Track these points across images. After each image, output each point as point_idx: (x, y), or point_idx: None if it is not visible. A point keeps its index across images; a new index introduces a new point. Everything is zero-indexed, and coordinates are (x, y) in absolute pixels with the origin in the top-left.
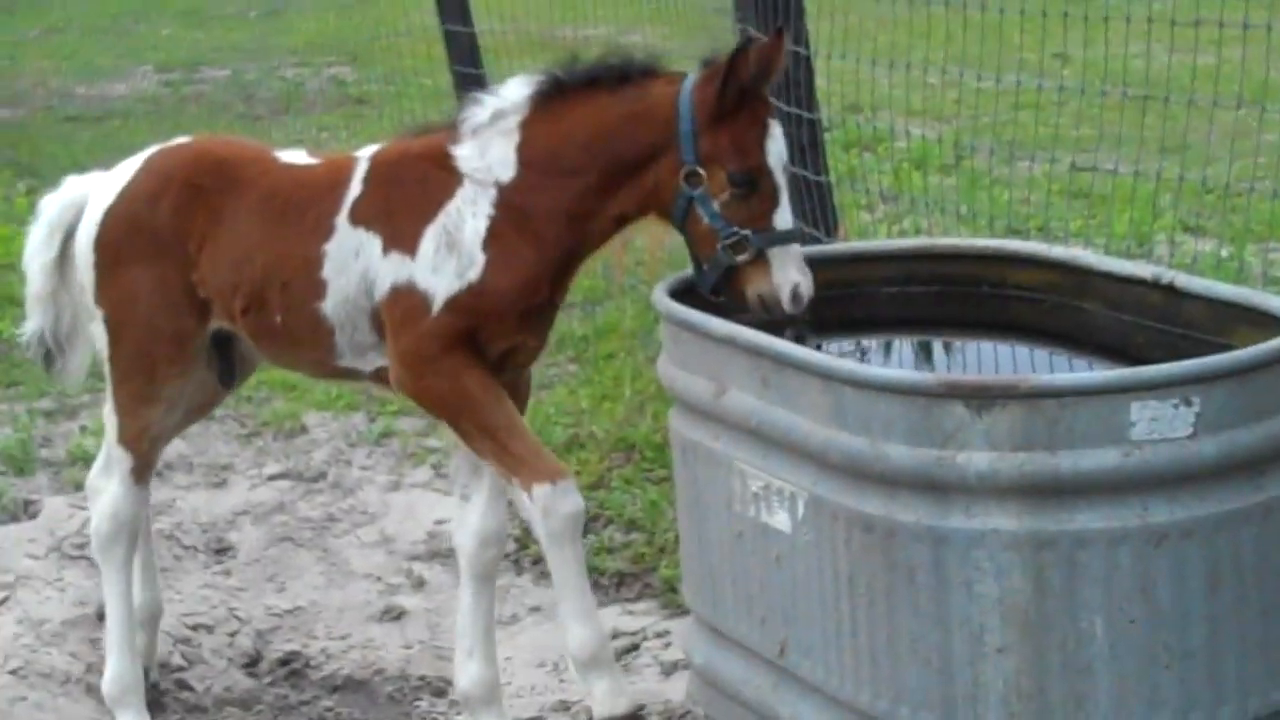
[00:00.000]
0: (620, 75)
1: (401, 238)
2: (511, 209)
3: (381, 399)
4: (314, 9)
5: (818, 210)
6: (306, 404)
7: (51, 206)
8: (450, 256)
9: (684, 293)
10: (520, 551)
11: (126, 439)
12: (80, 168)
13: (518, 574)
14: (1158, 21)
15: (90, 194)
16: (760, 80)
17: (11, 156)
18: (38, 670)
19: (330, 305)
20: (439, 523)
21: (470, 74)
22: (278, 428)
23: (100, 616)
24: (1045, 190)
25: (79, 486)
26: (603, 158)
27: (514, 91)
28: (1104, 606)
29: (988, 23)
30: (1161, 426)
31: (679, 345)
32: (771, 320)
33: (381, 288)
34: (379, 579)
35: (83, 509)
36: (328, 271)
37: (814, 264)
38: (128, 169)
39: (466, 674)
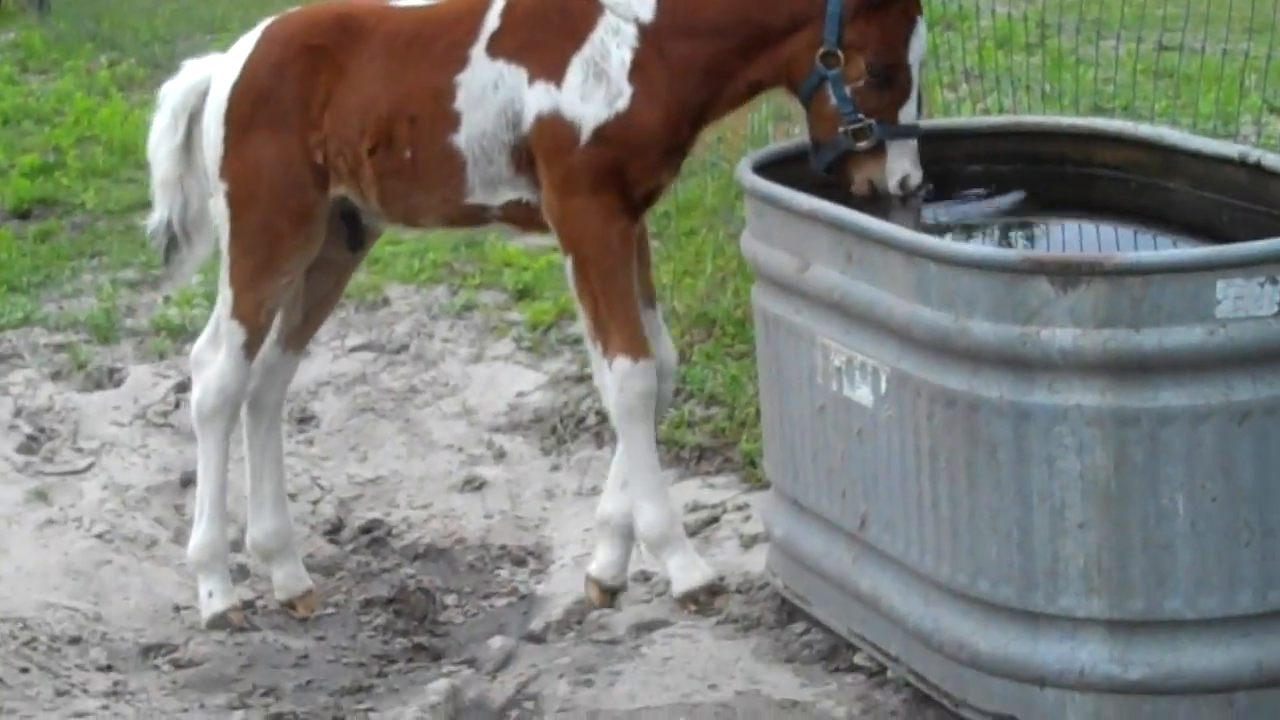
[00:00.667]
0: None
1: (548, 67)
2: (652, 47)
3: (463, 273)
4: None
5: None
6: (389, 277)
7: (174, 92)
8: (598, 86)
9: (767, 167)
10: (601, 424)
11: (241, 312)
12: (161, 41)
13: (598, 446)
14: None
15: (213, 74)
16: None
17: (94, 30)
18: (123, 535)
19: (464, 138)
20: (520, 395)
21: None
22: (360, 300)
23: (185, 483)
24: (1130, 70)
25: (163, 355)
26: (746, 23)
27: None
28: (1186, 483)
29: None
30: (1247, 304)
31: (762, 220)
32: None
33: (528, 118)
34: (460, 449)
35: (166, 378)
36: (461, 103)
37: None
38: (247, 43)
39: (614, 501)
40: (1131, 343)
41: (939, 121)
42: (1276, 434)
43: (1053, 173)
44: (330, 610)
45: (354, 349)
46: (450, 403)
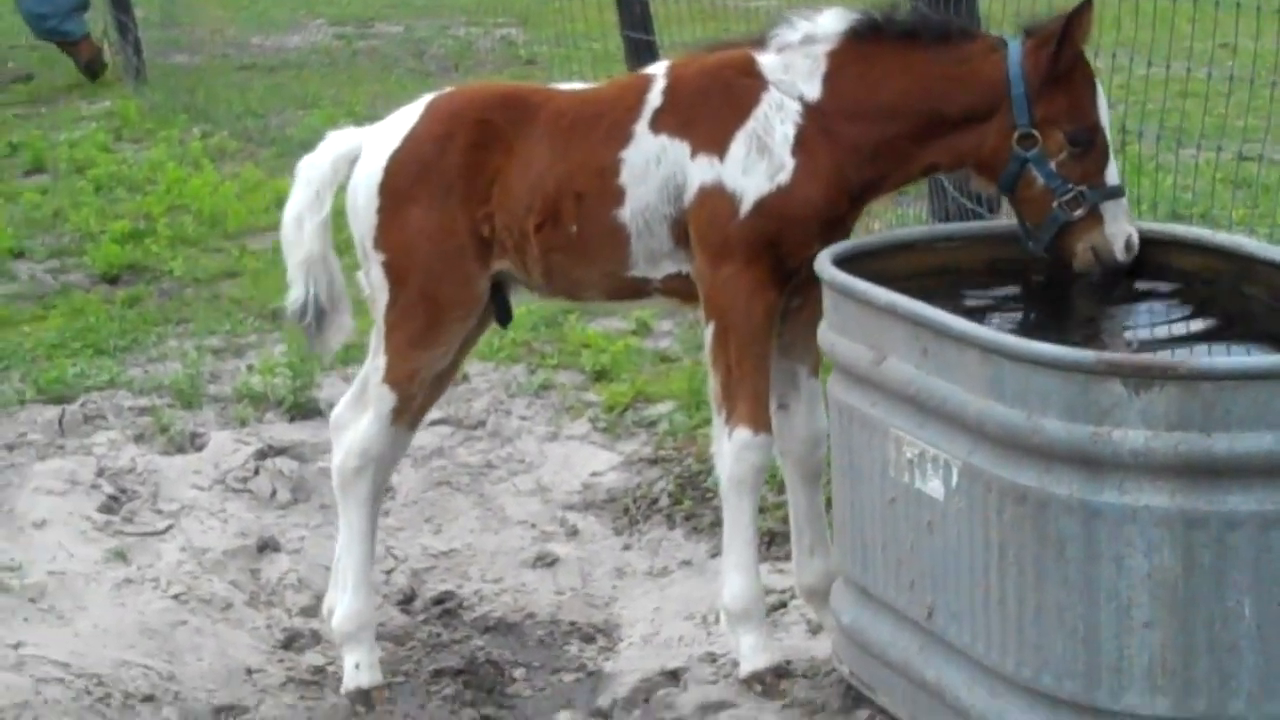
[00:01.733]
0: (941, 34)
1: (711, 141)
2: (817, 124)
3: (541, 353)
4: None
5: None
6: (469, 355)
7: (316, 167)
8: (760, 159)
9: (847, 261)
10: (673, 506)
11: (395, 379)
12: (253, 115)
13: (670, 528)
14: None
15: (363, 145)
16: (1083, 43)
17: (188, 102)
18: (199, 596)
19: (629, 212)
20: (594, 474)
21: (641, 39)
22: None
23: (260, 548)
24: (1209, 178)
25: (244, 422)
26: (919, 110)
27: (829, 22)
28: (1253, 587)
29: (1158, 10)
30: None
31: (840, 312)
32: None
33: (690, 191)
34: (533, 525)
35: (247, 444)
36: (625, 178)
37: (975, 241)
38: (408, 116)
39: (811, 570)
40: (1202, 447)
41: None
42: None
43: (1132, 275)
44: (401, 679)
45: (433, 423)
46: (525, 480)
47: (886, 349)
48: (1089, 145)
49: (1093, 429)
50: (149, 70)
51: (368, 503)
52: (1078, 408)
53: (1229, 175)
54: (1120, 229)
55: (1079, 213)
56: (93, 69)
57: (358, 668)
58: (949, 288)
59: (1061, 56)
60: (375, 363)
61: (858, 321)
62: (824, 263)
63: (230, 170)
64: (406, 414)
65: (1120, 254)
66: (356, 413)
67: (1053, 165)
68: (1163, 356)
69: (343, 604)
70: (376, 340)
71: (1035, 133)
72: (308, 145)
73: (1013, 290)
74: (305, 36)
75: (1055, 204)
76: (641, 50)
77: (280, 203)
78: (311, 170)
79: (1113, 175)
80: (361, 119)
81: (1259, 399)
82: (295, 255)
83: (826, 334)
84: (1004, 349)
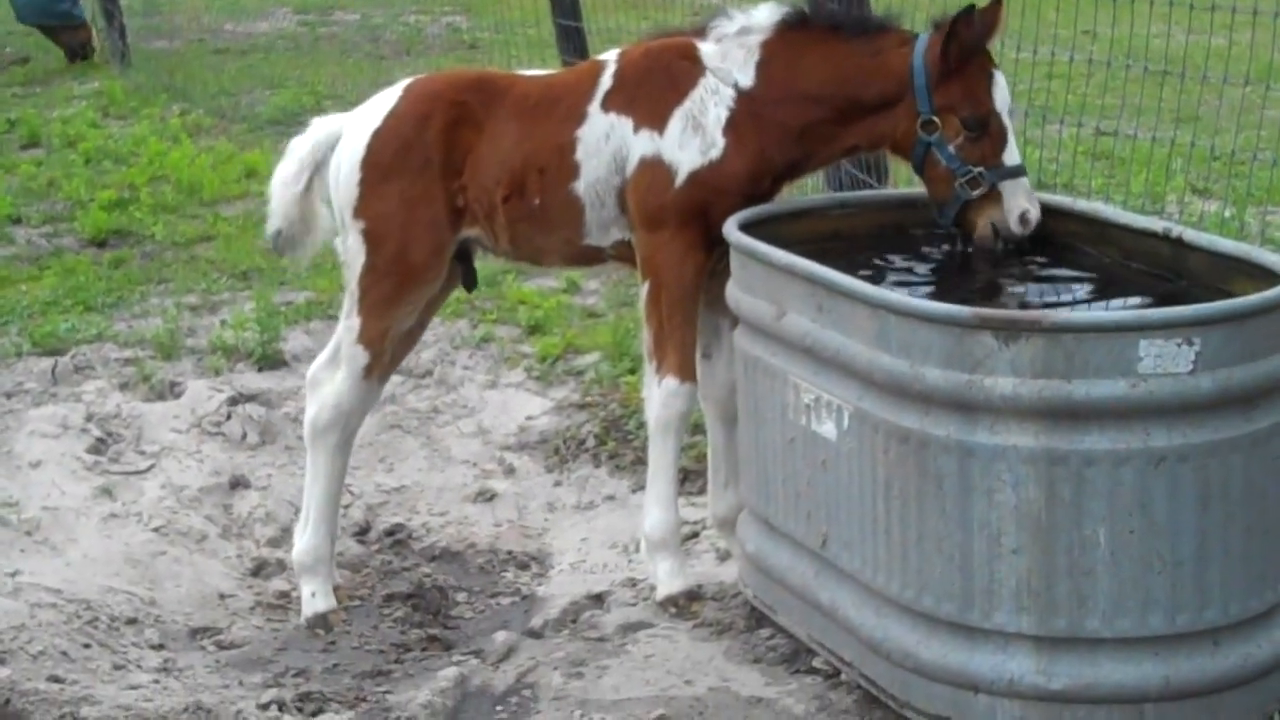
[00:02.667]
0: (860, 27)
1: (652, 118)
2: (747, 110)
3: (482, 309)
4: None
5: (870, 161)
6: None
7: (302, 146)
8: (695, 136)
9: (753, 225)
10: (599, 447)
11: (367, 338)
12: (226, 94)
13: (595, 466)
14: (1177, 5)
15: (344, 127)
16: (983, 39)
17: (168, 82)
18: (177, 529)
19: (583, 185)
20: (529, 418)
21: (570, 26)
22: None
23: (233, 485)
24: (1072, 151)
25: (218, 372)
26: (840, 96)
27: (763, 15)
28: (1107, 517)
29: (1027, 1)
30: (1165, 362)
31: (745, 271)
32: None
33: (632, 161)
34: (474, 464)
35: (220, 392)
36: (580, 154)
37: (866, 208)
38: (387, 98)
39: (725, 502)
40: (1063, 392)
41: (903, 191)
42: (1188, 477)
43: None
44: (356, 602)
45: None
46: (467, 423)
47: (786, 305)
48: (984, 130)
49: (967, 377)
50: (133, 54)
51: (335, 451)
52: (954, 358)
53: (1089, 148)
54: (1016, 204)
55: (978, 191)
56: (85, 51)
57: (314, 595)
58: (843, 250)
59: (950, 51)
60: (348, 323)
61: (761, 280)
62: (731, 227)
63: (206, 144)
64: (377, 369)
65: (1016, 228)
66: (331, 371)
67: (952, 148)
68: (1029, 311)
69: (302, 538)
70: (349, 304)
71: (935, 119)
72: (275, 122)
73: (899, 252)
74: (273, 23)
75: (957, 183)
76: (571, 35)
77: (250, 174)
78: (296, 149)
79: (1011, 156)
80: (323, 97)
81: (1113, 349)
82: (273, 203)
83: (733, 291)
84: (890, 305)
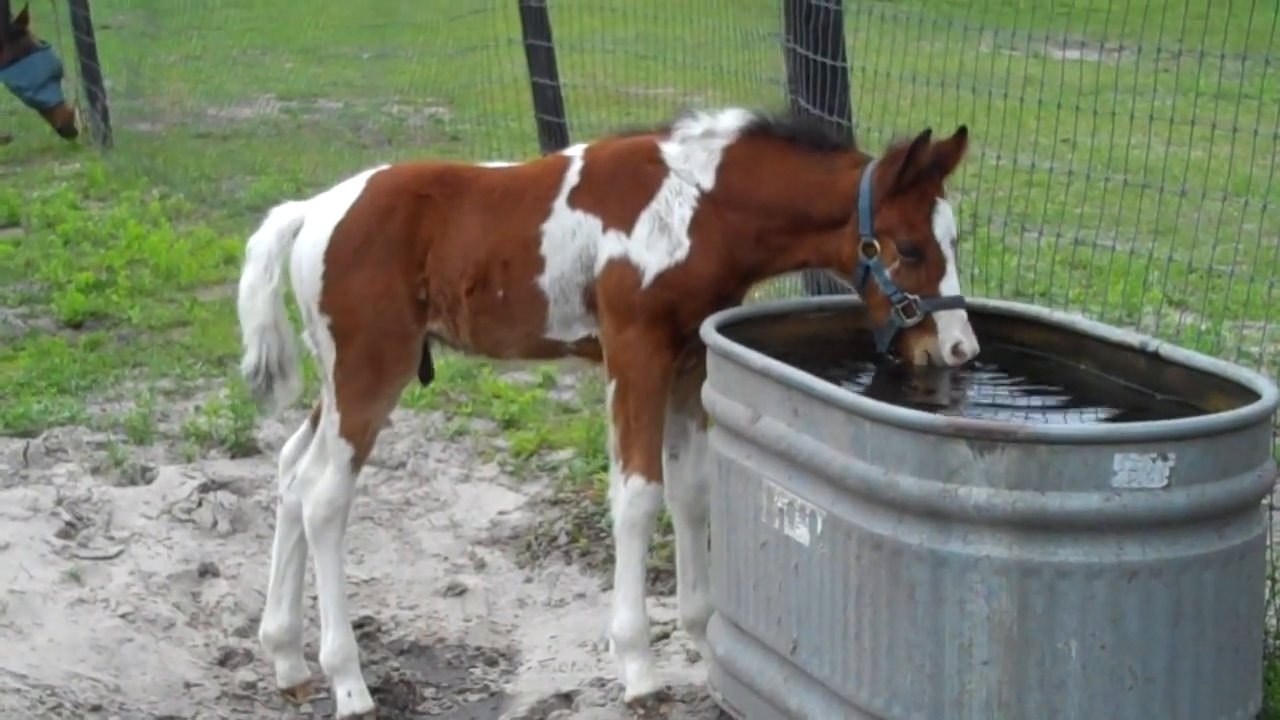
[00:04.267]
0: (817, 142)
1: (620, 219)
2: (711, 210)
3: (457, 402)
4: (419, 55)
5: None
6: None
7: (262, 242)
8: (662, 237)
9: (729, 327)
10: (571, 544)
11: (349, 432)
12: (206, 179)
13: (567, 563)
14: (1157, 119)
15: (306, 216)
16: (936, 170)
17: (149, 165)
18: (144, 616)
19: (548, 280)
20: (501, 513)
21: (552, 121)
22: None
23: (201, 573)
24: (1050, 259)
25: (190, 458)
26: (789, 210)
27: (728, 120)
28: (1079, 631)
29: (1008, 108)
30: (1140, 477)
31: (721, 373)
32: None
33: (600, 261)
34: (445, 558)
35: (192, 478)
36: (546, 248)
37: (845, 312)
38: (350, 190)
39: (693, 604)
40: (1037, 504)
41: None
42: (1160, 593)
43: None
44: (323, 695)
45: None
46: (439, 516)
47: (761, 408)
48: (920, 257)
49: (942, 485)
50: (115, 136)
51: (338, 546)
52: (929, 466)
53: (1067, 257)
54: (950, 336)
55: (912, 320)
56: (68, 131)
57: (349, 695)
58: (819, 354)
59: (903, 176)
60: (329, 418)
61: (737, 382)
62: (708, 328)
63: (185, 229)
64: (362, 461)
65: (948, 359)
66: (321, 467)
67: (888, 273)
68: (1004, 422)
69: (327, 640)
70: (328, 398)
71: (875, 242)
72: (255, 208)
73: (877, 358)
74: (255, 109)
75: (892, 310)
76: (553, 130)
77: (229, 259)
78: (259, 246)
79: (949, 287)
80: (304, 185)
81: (1088, 462)
82: (250, 323)
83: (709, 392)
84: (865, 411)
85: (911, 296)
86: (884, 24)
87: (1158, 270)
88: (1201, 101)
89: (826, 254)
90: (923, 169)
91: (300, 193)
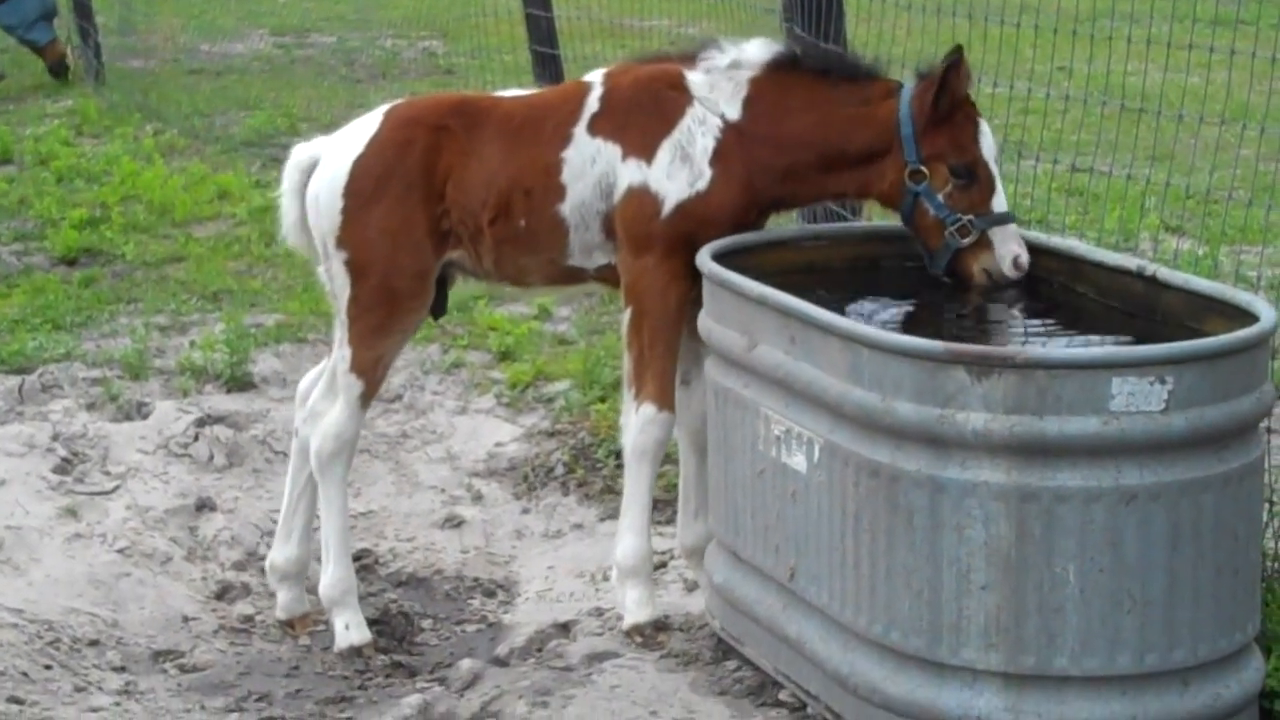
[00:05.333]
0: (849, 74)
1: (640, 147)
2: (734, 141)
3: (453, 335)
4: None
5: None
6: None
7: (285, 178)
8: (683, 167)
9: (725, 255)
10: (568, 475)
11: (361, 367)
12: (200, 115)
13: (564, 494)
14: (1154, 44)
15: (323, 153)
16: (968, 88)
17: (142, 102)
18: (141, 551)
19: (569, 207)
20: (498, 445)
21: (547, 53)
22: None
23: (198, 507)
24: (1046, 187)
25: (186, 393)
26: (823, 144)
27: (755, 51)
28: (1077, 555)
29: (1004, 36)
30: (1138, 400)
31: (717, 302)
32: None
33: (619, 189)
34: (442, 490)
35: (188, 413)
36: (566, 176)
37: (841, 241)
38: (368, 124)
39: (694, 532)
40: (1035, 429)
41: (876, 224)
42: (1159, 516)
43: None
44: (321, 627)
45: None
46: (436, 449)
47: (758, 336)
48: (972, 178)
49: (939, 411)
50: (107, 73)
51: (343, 480)
52: (926, 392)
53: (1064, 184)
54: (1008, 250)
55: (968, 239)
56: (60, 70)
57: (347, 627)
58: (816, 282)
59: (941, 101)
60: (340, 352)
61: (733, 311)
62: (704, 257)
63: (179, 165)
64: (372, 397)
65: (1010, 273)
66: (329, 401)
67: (941, 197)
68: (1001, 347)
69: (327, 573)
70: (340, 332)
71: (923, 168)
72: (249, 143)
73: (872, 285)
74: (249, 45)
75: (946, 232)
76: (547, 62)
77: (223, 195)
78: (283, 181)
79: (999, 203)
80: (297, 120)
81: (1085, 386)
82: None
83: (705, 321)
84: (862, 338)
85: (966, 217)
86: None
87: (1155, 196)
88: (1198, 27)
89: (866, 185)
90: (960, 92)
91: (294, 128)
